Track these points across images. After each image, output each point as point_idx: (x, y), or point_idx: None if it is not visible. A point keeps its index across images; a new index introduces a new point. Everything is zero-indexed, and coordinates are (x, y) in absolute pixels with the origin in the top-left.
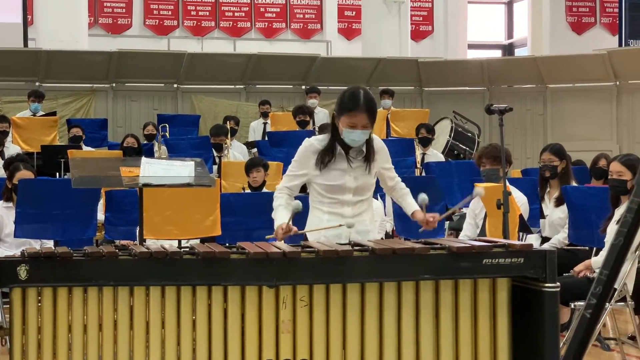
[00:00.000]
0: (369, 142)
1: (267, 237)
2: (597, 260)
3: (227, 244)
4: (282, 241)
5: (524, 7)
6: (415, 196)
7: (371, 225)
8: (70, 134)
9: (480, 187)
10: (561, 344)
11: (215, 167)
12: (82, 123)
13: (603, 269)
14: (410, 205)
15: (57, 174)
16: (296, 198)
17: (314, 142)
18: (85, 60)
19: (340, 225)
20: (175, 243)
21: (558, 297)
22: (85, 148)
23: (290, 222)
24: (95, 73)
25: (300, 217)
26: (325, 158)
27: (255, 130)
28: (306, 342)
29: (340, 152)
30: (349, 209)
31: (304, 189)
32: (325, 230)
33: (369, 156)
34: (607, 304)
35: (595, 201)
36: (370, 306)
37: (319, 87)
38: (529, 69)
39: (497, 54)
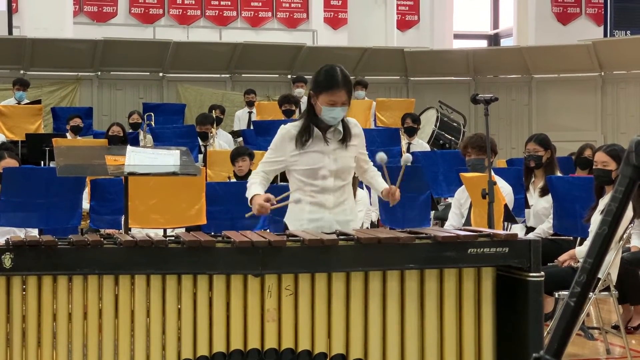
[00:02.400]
0: (344, 123)
1: (246, 215)
2: (581, 250)
3: (212, 233)
4: (269, 209)
5: None
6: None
7: (352, 214)
8: (72, 123)
9: (382, 154)
10: (545, 333)
11: (200, 156)
12: (68, 111)
13: (587, 257)
14: (380, 184)
15: (42, 162)
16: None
17: (290, 128)
18: (71, 49)
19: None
20: (160, 232)
21: (542, 287)
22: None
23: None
24: (81, 61)
25: (282, 209)
26: (302, 138)
27: (241, 119)
28: (291, 331)
29: (317, 133)
30: (331, 197)
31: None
32: (306, 220)
33: (345, 136)
34: (591, 293)
35: (579, 191)
36: (355, 295)
37: (305, 77)
38: (514, 59)
39: (482, 44)
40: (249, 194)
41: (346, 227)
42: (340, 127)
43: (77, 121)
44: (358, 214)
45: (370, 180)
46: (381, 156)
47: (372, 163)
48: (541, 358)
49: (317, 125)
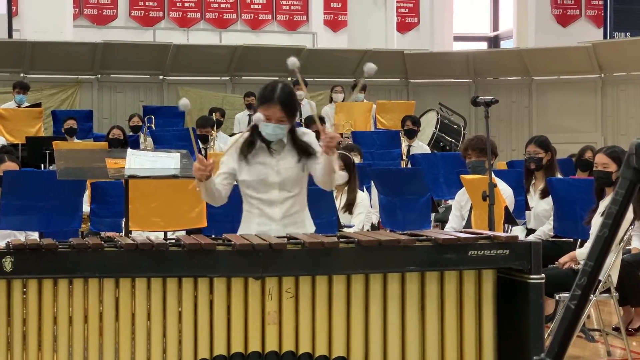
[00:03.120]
0: (295, 139)
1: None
2: (581, 252)
3: (213, 236)
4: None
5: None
6: None
7: (304, 227)
8: (66, 125)
9: (293, 59)
10: (546, 335)
11: None
12: (68, 114)
13: (588, 260)
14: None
15: (42, 165)
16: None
17: (239, 138)
18: (71, 52)
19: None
20: (161, 235)
21: (543, 289)
22: (74, 140)
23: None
24: (81, 64)
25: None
26: (245, 150)
27: (241, 122)
28: (292, 334)
29: (261, 145)
30: (277, 210)
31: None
32: (254, 232)
33: (291, 148)
34: (592, 295)
35: (580, 193)
36: (356, 298)
37: (306, 79)
38: (514, 61)
39: (482, 46)
40: None
41: None
42: (285, 140)
43: (70, 123)
44: (358, 216)
45: (318, 167)
46: (292, 61)
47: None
48: None
49: (261, 137)
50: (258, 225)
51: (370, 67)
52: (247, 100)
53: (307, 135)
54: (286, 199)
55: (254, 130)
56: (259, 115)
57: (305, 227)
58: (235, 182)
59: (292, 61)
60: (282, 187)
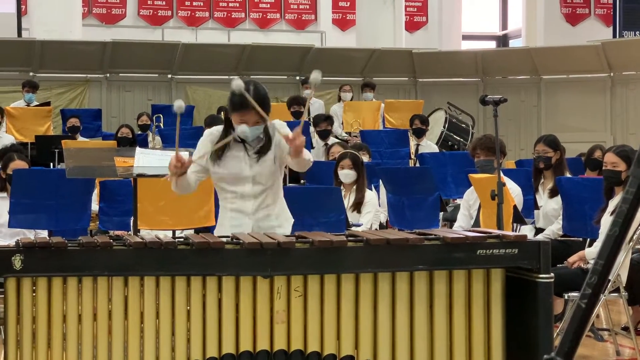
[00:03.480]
0: (267, 135)
1: (166, 177)
2: (590, 251)
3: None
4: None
5: None
6: None
7: (278, 220)
8: (68, 123)
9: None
10: (555, 335)
11: None
12: (76, 113)
13: (598, 259)
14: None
15: (51, 164)
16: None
17: (214, 132)
18: (79, 51)
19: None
20: (169, 233)
21: (552, 288)
22: (79, 138)
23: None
24: (89, 63)
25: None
26: (219, 149)
27: None
28: (301, 333)
29: (236, 139)
30: (250, 204)
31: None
32: (229, 227)
33: (267, 143)
34: (601, 294)
35: (589, 192)
36: (364, 297)
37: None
38: (523, 60)
39: (491, 45)
40: None
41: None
42: (262, 135)
43: (72, 121)
44: (366, 215)
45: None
46: (315, 76)
47: None
48: (552, 359)
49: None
50: (230, 219)
51: (315, 77)
52: None
53: (284, 128)
54: (259, 193)
55: (227, 130)
56: (243, 129)
57: (279, 219)
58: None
59: (315, 77)
60: (256, 181)
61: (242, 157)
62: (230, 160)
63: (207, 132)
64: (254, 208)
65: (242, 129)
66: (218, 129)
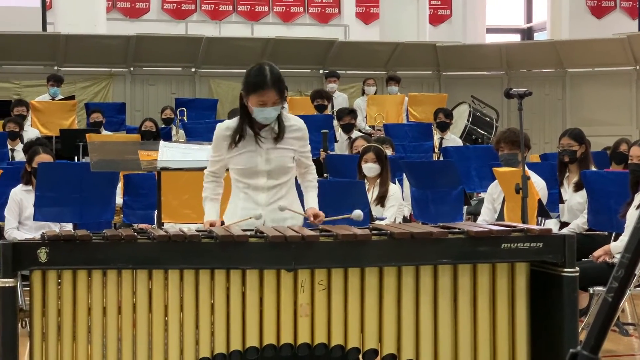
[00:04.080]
0: (280, 120)
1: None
2: (616, 246)
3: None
4: None
5: None
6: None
7: (288, 212)
8: (90, 119)
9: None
10: (580, 329)
11: None
12: (100, 107)
13: (625, 252)
14: (309, 201)
15: (76, 157)
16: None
17: (224, 128)
18: (104, 45)
19: (249, 218)
20: (193, 227)
21: (577, 282)
22: (103, 132)
23: (219, 219)
24: (113, 57)
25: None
26: (234, 139)
27: None
28: (324, 326)
29: (250, 133)
30: (263, 196)
31: (319, 173)
32: (239, 217)
33: (279, 134)
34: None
35: (614, 186)
36: (388, 290)
37: (338, 72)
38: (547, 53)
39: (515, 38)
40: (205, 211)
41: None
42: (275, 126)
43: (94, 116)
44: (390, 209)
45: (303, 188)
46: (358, 213)
47: (313, 167)
48: (579, 354)
49: (250, 125)
50: (243, 210)
51: (358, 214)
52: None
53: (300, 131)
54: (273, 186)
55: (243, 119)
56: (358, 213)
57: (285, 214)
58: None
59: (358, 214)
60: (271, 176)
61: (257, 150)
62: (245, 154)
63: (218, 128)
64: (267, 200)
65: (261, 114)
66: (230, 124)
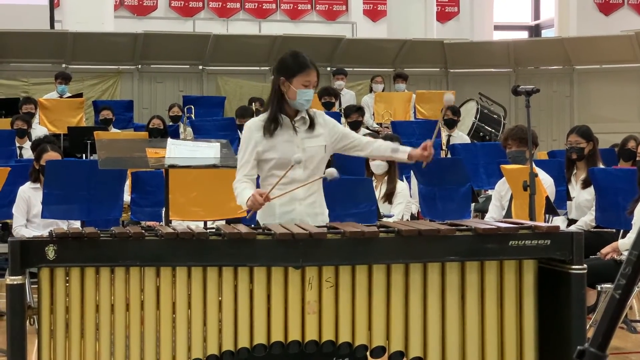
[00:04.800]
0: (308, 111)
1: (247, 217)
2: (624, 243)
3: (252, 225)
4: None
5: None
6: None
7: (321, 208)
8: (100, 115)
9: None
10: (587, 326)
11: None
12: (108, 105)
13: (633, 249)
14: (402, 150)
15: (84, 155)
16: None
17: (256, 121)
18: (111, 42)
19: (291, 166)
20: (201, 224)
21: (585, 279)
22: (112, 130)
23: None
24: (121, 55)
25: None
26: (270, 127)
27: None
28: (332, 323)
29: (286, 121)
30: (301, 190)
31: None
32: (278, 214)
33: (312, 122)
34: (635, 286)
35: (622, 183)
36: (396, 287)
37: (345, 69)
38: (555, 50)
39: (523, 35)
40: (242, 200)
41: (316, 221)
42: (305, 115)
43: (104, 114)
44: (397, 206)
45: (380, 148)
46: (330, 172)
47: (361, 135)
48: (586, 351)
49: (285, 113)
50: (281, 206)
51: (448, 97)
52: None
53: (321, 116)
54: (307, 178)
55: (277, 107)
56: (331, 171)
57: (322, 207)
58: None
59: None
60: (306, 166)
61: (293, 140)
62: (281, 143)
63: (246, 126)
64: (304, 194)
65: (304, 95)
66: (257, 118)
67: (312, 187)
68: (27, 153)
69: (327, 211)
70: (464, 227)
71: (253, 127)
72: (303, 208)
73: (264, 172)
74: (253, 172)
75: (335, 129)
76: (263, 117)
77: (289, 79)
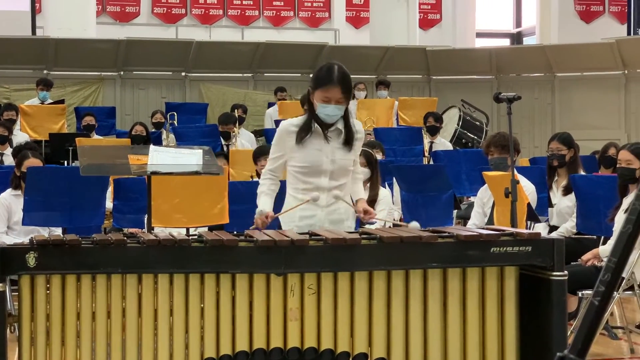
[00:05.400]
0: (347, 124)
1: (251, 228)
2: (604, 249)
3: (235, 232)
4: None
5: None
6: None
7: (345, 214)
8: (83, 121)
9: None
10: (569, 332)
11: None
12: (90, 111)
13: (612, 256)
14: (358, 193)
15: (65, 162)
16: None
17: (289, 124)
18: (94, 49)
19: (307, 201)
20: (183, 231)
21: (566, 286)
22: (94, 136)
23: (271, 211)
24: (104, 61)
25: (276, 203)
26: (302, 133)
27: (272, 117)
28: (314, 330)
29: (318, 130)
30: (324, 196)
31: None
32: (298, 218)
33: (348, 138)
34: (615, 292)
35: (603, 190)
36: (378, 294)
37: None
38: (537, 58)
39: (505, 42)
40: (258, 205)
41: (340, 227)
42: (341, 127)
43: (87, 120)
44: (380, 213)
45: (352, 189)
46: (414, 224)
47: (359, 166)
48: (565, 357)
49: (318, 122)
50: (302, 210)
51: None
52: (279, 95)
53: (361, 139)
54: (333, 187)
55: (311, 116)
56: (415, 224)
57: (347, 213)
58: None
59: (414, 225)
60: (333, 177)
61: (323, 149)
62: (311, 151)
63: (281, 125)
64: (327, 201)
65: (324, 110)
66: (293, 121)
67: (337, 193)
68: (8, 160)
69: (355, 217)
70: (446, 234)
71: (286, 130)
72: (325, 215)
73: (290, 178)
74: (278, 170)
75: (359, 148)
76: (297, 121)
77: (313, 90)
